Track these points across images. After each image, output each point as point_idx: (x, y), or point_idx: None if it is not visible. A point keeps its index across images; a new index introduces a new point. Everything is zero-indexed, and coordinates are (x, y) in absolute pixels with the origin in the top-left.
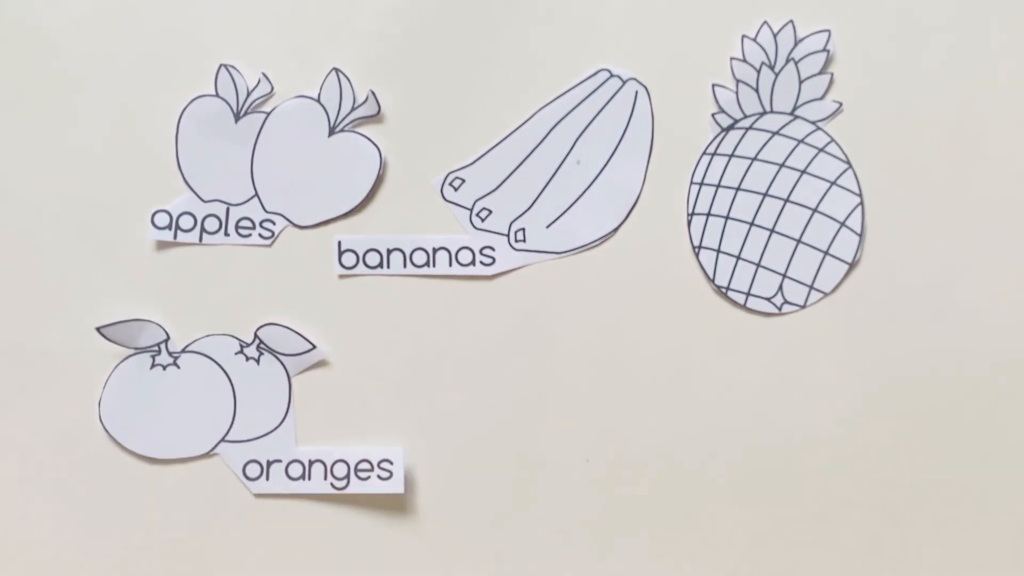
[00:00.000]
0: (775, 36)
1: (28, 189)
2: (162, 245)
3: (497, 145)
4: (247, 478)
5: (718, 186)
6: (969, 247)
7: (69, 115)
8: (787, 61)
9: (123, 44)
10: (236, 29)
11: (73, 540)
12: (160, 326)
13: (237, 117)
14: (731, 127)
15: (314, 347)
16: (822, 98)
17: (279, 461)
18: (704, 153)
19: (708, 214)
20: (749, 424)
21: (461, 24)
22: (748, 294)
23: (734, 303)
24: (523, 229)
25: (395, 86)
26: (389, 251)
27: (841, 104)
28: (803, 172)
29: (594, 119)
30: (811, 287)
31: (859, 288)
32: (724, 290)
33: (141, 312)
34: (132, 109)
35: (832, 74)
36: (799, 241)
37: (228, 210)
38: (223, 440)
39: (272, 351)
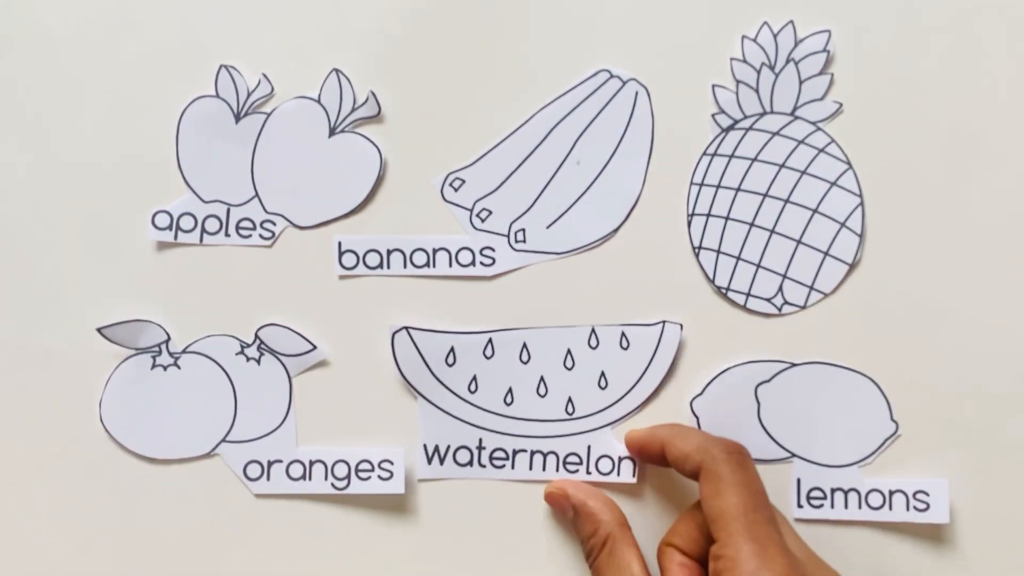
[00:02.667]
0: (775, 36)
1: (28, 189)
2: (163, 246)
3: (497, 146)
4: (248, 478)
5: (718, 187)
6: (969, 247)
7: (69, 115)
8: (787, 61)
9: (123, 44)
10: (236, 29)
11: (73, 540)
12: (161, 327)
13: (237, 118)
14: (731, 128)
15: (314, 347)
16: (822, 99)
17: (280, 461)
18: (704, 154)
19: (708, 215)
20: None
21: (461, 24)
22: (748, 295)
23: (734, 304)
24: (523, 230)
25: (395, 86)
26: (389, 251)
27: (841, 104)
28: (803, 173)
29: (594, 120)
30: (811, 287)
31: (859, 288)
32: (724, 291)
33: (142, 313)
34: (132, 109)
35: (832, 74)
36: (799, 242)
37: (229, 211)
38: (224, 440)
39: (272, 351)
